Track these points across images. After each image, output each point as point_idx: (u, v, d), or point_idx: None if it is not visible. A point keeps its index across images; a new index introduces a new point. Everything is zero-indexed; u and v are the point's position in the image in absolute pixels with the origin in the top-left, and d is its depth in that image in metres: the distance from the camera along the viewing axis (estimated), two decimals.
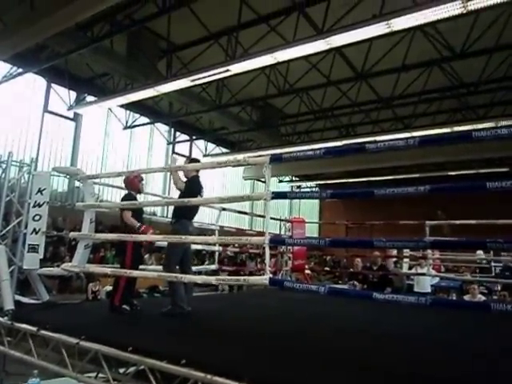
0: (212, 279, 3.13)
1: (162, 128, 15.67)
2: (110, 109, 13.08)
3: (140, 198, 4.72)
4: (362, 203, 18.03)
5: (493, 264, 9.46)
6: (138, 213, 4.33)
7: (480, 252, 8.74)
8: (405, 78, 10.44)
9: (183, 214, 4.09)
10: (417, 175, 15.77)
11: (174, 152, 16.06)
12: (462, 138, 2.31)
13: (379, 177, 16.55)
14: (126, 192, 4.52)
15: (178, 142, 16.20)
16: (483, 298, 7.18)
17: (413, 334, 3.72)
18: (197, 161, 4.52)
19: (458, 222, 6.94)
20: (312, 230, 17.81)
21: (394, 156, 13.83)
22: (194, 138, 16.40)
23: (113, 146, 14.23)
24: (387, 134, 12.13)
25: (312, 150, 3.05)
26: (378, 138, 11.63)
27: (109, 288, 8.55)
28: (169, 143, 15.98)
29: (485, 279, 8.56)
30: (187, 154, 16.50)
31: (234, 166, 16.73)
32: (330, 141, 13.19)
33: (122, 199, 4.46)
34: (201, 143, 16.83)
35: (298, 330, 3.60)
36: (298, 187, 20.23)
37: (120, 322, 3.88)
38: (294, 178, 20.19)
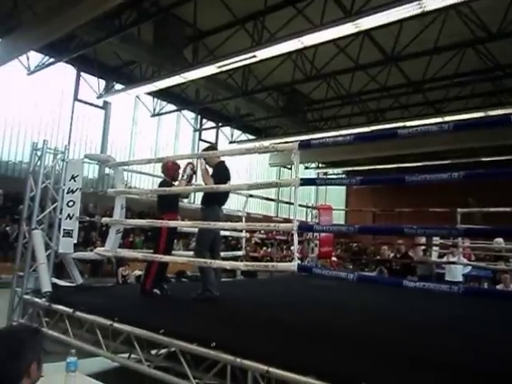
0: (241, 265, 3.17)
1: (189, 115, 15.78)
2: (137, 96, 13.25)
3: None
4: (390, 190, 17.69)
5: None
6: (173, 199, 4.41)
7: (499, 240, 8.45)
8: (436, 61, 10.08)
9: (213, 201, 4.12)
10: (448, 161, 15.31)
11: (200, 139, 16.18)
12: (499, 122, 2.22)
13: (408, 163, 16.18)
14: (162, 179, 4.59)
15: (205, 128, 16.30)
16: None
17: (444, 323, 3.67)
18: (215, 148, 4.54)
19: (490, 209, 6.74)
20: (338, 218, 17.66)
21: (424, 142, 13.44)
22: (220, 124, 16.45)
23: (141, 133, 14.46)
24: (417, 119, 11.79)
25: (341, 135, 3.00)
26: (407, 124, 11.31)
27: (138, 272, 8.80)
28: (195, 130, 16.09)
29: None
30: (214, 140, 16.60)
31: (261, 153, 16.76)
32: (358, 127, 12.94)
33: (159, 185, 4.55)
34: (227, 130, 16.88)
35: (324, 318, 3.61)
36: (325, 174, 20.03)
37: (151, 305, 3.98)
38: (320, 165, 20.02)
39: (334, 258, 9.03)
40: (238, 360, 2.39)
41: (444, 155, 15.66)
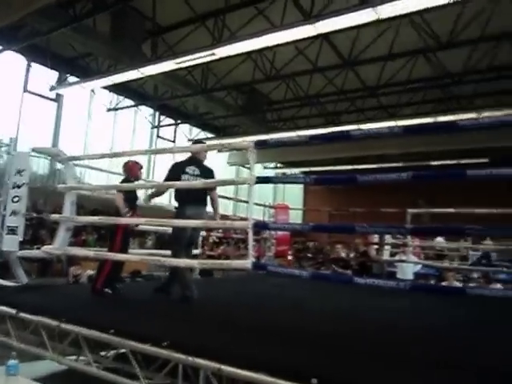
0: (195, 263, 3.13)
1: (147, 111, 15.43)
2: (93, 90, 12.80)
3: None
4: (346, 191, 18.16)
5: (470, 252, 9.69)
6: (131, 199, 4.31)
7: (440, 239, 8.95)
8: (390, 67, 10.48)
9: (179, 200, 4.05)
10: (400, 164, 15.93)
11: (158, 136, 15.87)
12: (445, 127, 2.33)
13: (365, 165, 16.66)
14: (124, 177, 4.50)
15: (163, 125, 16.00)
16: (459, 284, 7.37)
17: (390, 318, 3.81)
18: (202, 142, 4.49)
19: (437, 210, 7.09)
20: (296, 218, 17.91)
21: (379, 145, 13.95)
22: (178, 122, 16.20)
23: (96, 128, 13.97)
24: (372, 122, 12.19)
25: (297, 136, 3.04)
26: (362, 127, 11.67)
27: (91, 272, 8.49)
28: (153, 127, 15.77)
29: (462, 267, 8.76)
30: (172, 138, 16.35)
31: (218, 151, 16.67)
32: (316, 128, 13.19)
33: (121, 182, 4.48)
34: (185, 128, 16.66)
35: (277, 316, 3.65)
36: (283, 174, 20.25)
37: (102, 304, 3.86)
38: (278, 165, 20.20)
39: (290, 257, 9.16)
40: (190, 358, 2.36)
41: (398, 158, 16.27)
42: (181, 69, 9.75)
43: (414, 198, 13.10)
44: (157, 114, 15.70)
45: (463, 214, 6.41)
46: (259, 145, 2.88)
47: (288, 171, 20.29)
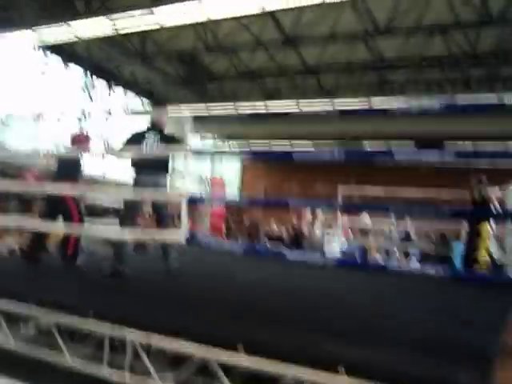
0: (125, 234, 3.03)
1: (78, 71, 14.32)
2: (18, 44, 11.67)
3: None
4: (283, 169, 18.46)
5: (393, 230, 10.37)
6: (72, 171, 4.24)
7: (365, 218, 9.57)
8: (332, 48, 10.65)
9: (136, 167, 3.88)
10: (334, 142, 16.41)
11: (90, 99, 14.90)
12: (379, 111, 2.43)
13: (300, 140, 16.91)
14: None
15: (97, 89, 14.98)
16: (381, 260, 7.90)
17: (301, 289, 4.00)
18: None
19: (367, 189, 7.49)
20: (233, 193, 17.95)
21: (318, 123, 14.24)
22: (113, 86, 15.26)
23: (23, 86, 12.80)
24: (311, 101, 12.39)
25: (237, 108, 3.02)
26: (302, 102, 11.80)
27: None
28: (85, 90, 14.72)
29: (385, 244, 9.36)
30: (105, 103, 15.42)
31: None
32: (256, 103, 13.15)
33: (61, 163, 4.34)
34: (121, 93, 15.75)
35: (206, 286, 3.69)
36: (221, 147, 20.03)
37: (24, 275, 3.65)
38: (216, 138, 20.01)
39: (224, 232, 9.24)
40: (117, 330, 2.32)
41: (334, 137, 16.77)
42: (119, 34, 9.19)
43: (347, 178, 13.65)
44: (89, 75, 14.65)
45: (390, 193, 6.88)
46: (196, 116, 2.82)
47: (226, 144, 20.17)
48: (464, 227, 8.44)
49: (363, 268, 3.80)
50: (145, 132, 3.95)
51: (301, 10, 9.19)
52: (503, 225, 6.00)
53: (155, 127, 3.99)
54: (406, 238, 9.94)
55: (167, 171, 3.92)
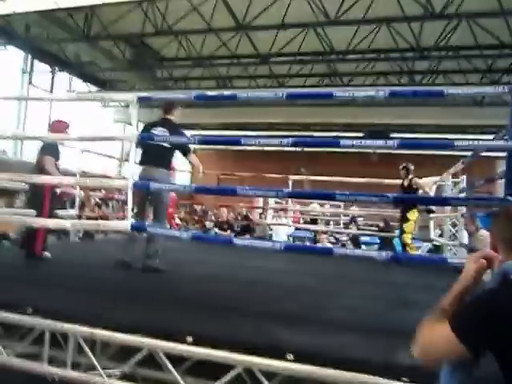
0: (67, 224, 2.89)
1: (17, 54, 13.41)
2: None
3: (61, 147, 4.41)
4: (234, 158, 18.44)
5: (342, 217, 10.69)
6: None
7: (314, 205, 9.86)
8: (283, 37, 10.66)
9: (140, 160, 3.86)
10: (286, 133, 16.66)
11: (30, 83, 14.02)
12: (325, 95, 2.45)
13: (255, 131, 17.00)
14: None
15: (37, 72, 14.11)
16: (330, 245, 8.14)
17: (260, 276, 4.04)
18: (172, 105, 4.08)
19: (316, 178, 7.67)
20: (185, 181, 17.69)
21: (267, 113, 14.35)
22: (56, 69, 14.47)
23: None
24: (262, 90, 12.42)
25: (183, 93, 2.94)
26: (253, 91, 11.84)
27: None
28: (24, 72, 13.83)
29: (333, 230, 9.64)
30: (48, 88, 14.58)
31: (102, 105, 15.48)
32: (207, 90, 12.97)
33: (43, 145, 4.06)
34: (65, 77, 14.96)
35: (151, 277, 3.62)
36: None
37: None
38: None
39: (176, 220, 9.09)
40: (59, 324, 2.22)
41: (284, 128, 16.98)
42: (60, 9, 8.66)
43: (297, 166, 13.91)
44: (29, 57, 13.77)
45: (337, 181, 7.09)
46: (143, 100, 2.71)
47: None
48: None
49: (311, 252, 3.86)
50: (153, 125, 3.91)
51: None
52: (443, 212, 6.38)
53: (165, 121, 3.95)
54: (354, 223, 10.32)
55: (167, 166, 3.92)
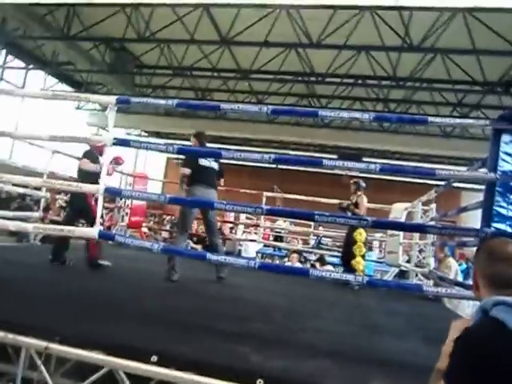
0: (29, 227, 2.71)
1: None
2: None
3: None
4: None
5: (311, 236, 10.74)
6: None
7: (280, 222, 9.93)
8: (265, 54, 10.77)
9: (193, 179, 4.10)
10: (264, 150, 16.75)
11: (1, 79, 13.53)
12: (309, 113, 2.43)
13: (231, 145, 17.00)
14: (87, 149, 4.38)
15: (10, 67, 13.66)
16: (300, 265, 8.11)
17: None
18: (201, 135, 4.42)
19: (289, 196, 7.68)
20: (156, 190, 17.38)
21: (247, 128, 14.42)
22: (30, 67, 14.04)
23: None
24: (241, 105, 12.43)
25: (165, 100, 2.86)
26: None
27: None
28: None
29: (304, 249, 9.64)
30: (20, 85, 14.11)
31: (77, 107, 15.10)
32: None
33: (84, 152, 4.35)
34: (40, 75, 14.53)
35: (114, 290, 3.46)
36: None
37: None
38: (142, 134, 19.26)
39: (144, 229, 8.86)
40: (10, 336, 2.04)
41: (262, 144, 17.08)
42: (40, 4, 8.42)
43: (271, 184, 14.02)
44: (3, 52, 13.31)
45: (311, 201, 7.14)
46: (121, 102, 2.61)
47: (152, 141, 19.51)
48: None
49: (287, 273, 3.79)
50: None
51: (238, 11, 9.19)
52: (411, 236, 6.48)
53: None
54: (320, 244, 10.41)
55: (216, 188, 4.31)
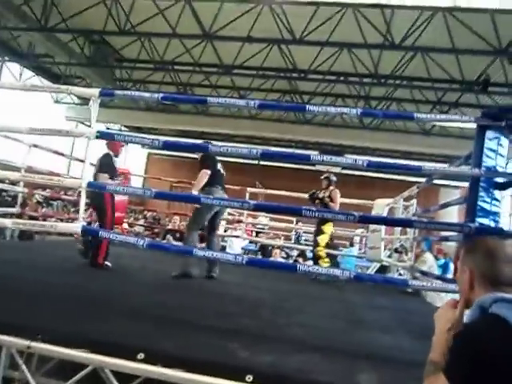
0: (8, 222, 2.62)
1: None
2: None
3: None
4: (190, 165, 18.20)
5: (293, 232, 10.78)
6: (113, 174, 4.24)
7: (261, 218, 9.97)
8: (247, 50, 10.71)
9: (212, 182, 4.28)
10: (246, 146, 16.74)
11: None
12: (297, 108, 2.42)
13: (214, 141, 16.92)
14: (105, 152, 4.30)
15: None
16: (282, 260, 8.14)
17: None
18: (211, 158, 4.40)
19: (272, 191, 7.70)
20: (137, 186, 17.13)
21: (229, 124, 14.36)
22: (6, 59, 13.61)
23: None
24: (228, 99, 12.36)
25: (149, 94, 2.80)
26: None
27: None
28: None
29: (287, 245, 9.67)
30: None
31: (55, 101, 14.75)
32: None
33: (101, 158, 4.27)
34: (15, 68, 14.10)
35: (100, 286, 3.40)
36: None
37: None
38: (123, 128, 18.95)
39: (125, 225, 8.73)
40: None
41: (244, 140, 17.03)
42: None
43: (253, 180, 14.03)
44: None
45: (292, 197, 7.17)
46: (105, 95, 2.55)
47: (133, 135, 19.20)
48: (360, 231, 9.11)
49: (275, 268, 3.80)
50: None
51: (221, 5, 9.12)
52: (391, 231, 6.58)
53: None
54: (299, 239, 10.48)
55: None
